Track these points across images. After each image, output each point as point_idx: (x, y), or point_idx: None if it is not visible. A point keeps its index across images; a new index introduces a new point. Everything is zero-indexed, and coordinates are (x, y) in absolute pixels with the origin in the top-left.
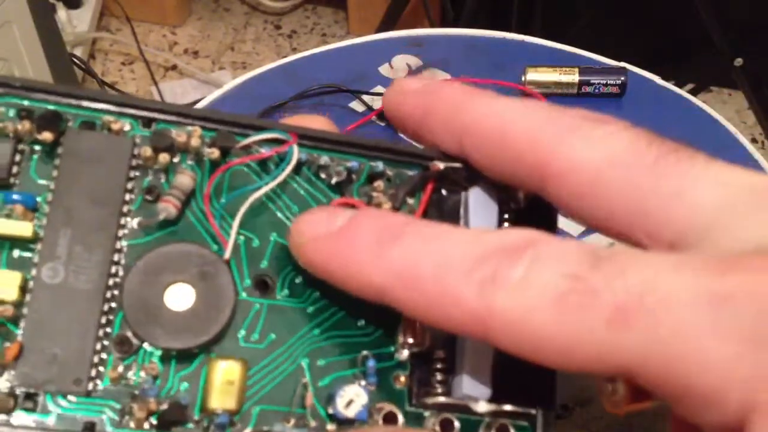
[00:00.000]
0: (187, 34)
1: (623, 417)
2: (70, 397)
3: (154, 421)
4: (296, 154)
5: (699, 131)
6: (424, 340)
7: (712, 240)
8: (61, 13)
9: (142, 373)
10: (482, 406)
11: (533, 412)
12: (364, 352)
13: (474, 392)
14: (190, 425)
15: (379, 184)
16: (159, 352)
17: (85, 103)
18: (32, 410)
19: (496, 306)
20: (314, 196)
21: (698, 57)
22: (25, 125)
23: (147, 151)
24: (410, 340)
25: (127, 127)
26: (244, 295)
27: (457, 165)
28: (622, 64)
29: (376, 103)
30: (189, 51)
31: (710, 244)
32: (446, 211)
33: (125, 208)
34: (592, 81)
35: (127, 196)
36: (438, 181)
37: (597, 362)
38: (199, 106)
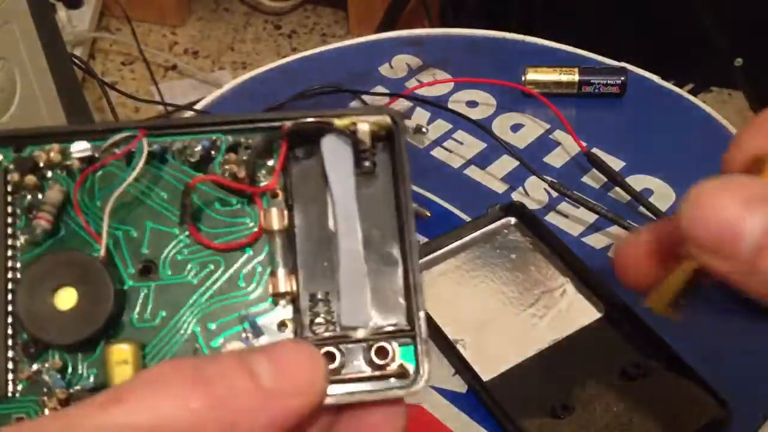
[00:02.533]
0: (187, 34)
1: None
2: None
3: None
4: (146, 147)
5: (699, 131)
6: (292, 289)
7: None
8: (61, 13)
9: (53, 370)
10: (361, 333)
11: (406, 326)
12: (247, 310)
13: (353, 322)
14: None
15: (231, 156)
16: (61, 349)
17: None
18: None
19: None
20: (179, 179)
21: (698, 57)
22: None
23: (15, 176)
24: (280, 289)
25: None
26: (130, 282)
27: (303, 120)
28: (622, 64)
29: (376, 102)
30: (189, 51)
31: None
32: (311, 165)
33: (11, 230)
34: (592, 81)
35: (11, 219)
36: (289, 138)
37: None
38: (199, 106)
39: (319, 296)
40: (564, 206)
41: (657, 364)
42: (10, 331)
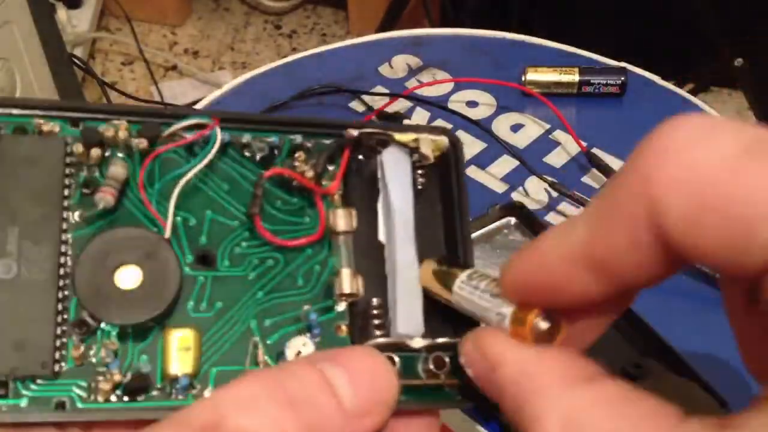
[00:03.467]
0: (187, 34)
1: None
2: (39, 381)
3: (119, 392)
4: (219, 135)
5: None
6: (358, 291)
7: None
8: (61, 13)
9: (103, 351)
10: (417, 342)
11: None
12: (306, 308)
13: (408, 331)
14: (154, 392)
15: (300, 155)
16: (116, 330)
17: (15, 111)
18: (4, 396)
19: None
20: (241, 173)
21: (698, 57)
22: None
23: (79, 147)
24: (345, 290)
25: (57, 129)
26: (187, 270)
27: (371, 130)
28: (622, 64)
29: (376, 103)
30: (189, 51)
31: None
32: (366, 174)
33: (66, 203)
34: (592, 81)
35: (67, 192)
36: (353, 146)
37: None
38: (199, 106)
39: (374, 302)
40: (564, 206)
41: (657, 364)
42: (60, 307)
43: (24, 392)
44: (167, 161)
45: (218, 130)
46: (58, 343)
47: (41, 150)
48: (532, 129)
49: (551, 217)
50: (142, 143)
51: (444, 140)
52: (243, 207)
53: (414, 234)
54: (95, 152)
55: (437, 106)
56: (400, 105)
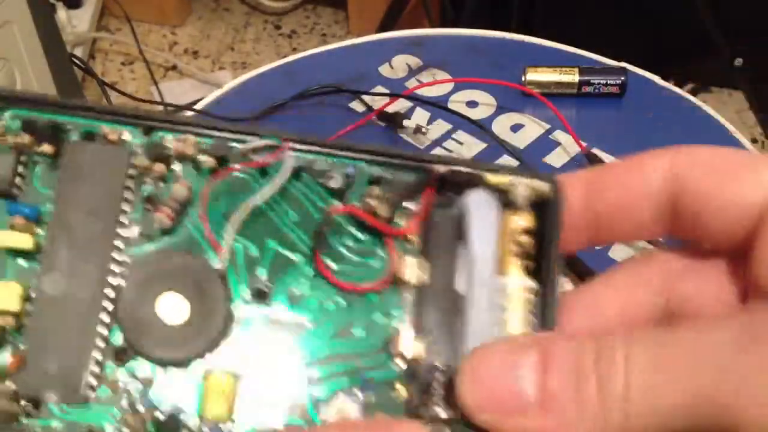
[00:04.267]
0: (187, 34)
1: None
2: (71, 405)
3: (150, 427)
4: (291, 160)
5: (699, 131)
6: (419, 357)
7: None
8: (61, 13)
9: (140, 383)
10: (486, 416)
11: None
12: (361, 364)
13: None
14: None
15: (377, 189)
16: (153, 362)
17: (84, 113)
18: (36, 417)
19: None
20: (312, 201)
21: (698, 57)
22: (25, 138)
23: (144, 161)
24: (405, 353)
25: (126, 136)
26: (240, 303)
27: (457, 168)
28: (622, 64)
29: (376, 103)
30: (189, 51)
31: None
32: (449, 216)
33: (124, 218)
34: (592, 81)
35: (126, 207)
36: (437, 185)
37: None
38: (199, 106)
39: (440, 366)
40: None
41: None
42: (101, 331)
43: (55, 414)
44: (235, 183)
45: (290, 154)
46: (95, 368)
47: (105, 159)
48: (532, 129)
49: None
50: (210, 162)
51: (544, 186)
52: (310, 239)
53: (494, 293)
54: (159, 167)
55: (437, 106)
56: (400, 105)
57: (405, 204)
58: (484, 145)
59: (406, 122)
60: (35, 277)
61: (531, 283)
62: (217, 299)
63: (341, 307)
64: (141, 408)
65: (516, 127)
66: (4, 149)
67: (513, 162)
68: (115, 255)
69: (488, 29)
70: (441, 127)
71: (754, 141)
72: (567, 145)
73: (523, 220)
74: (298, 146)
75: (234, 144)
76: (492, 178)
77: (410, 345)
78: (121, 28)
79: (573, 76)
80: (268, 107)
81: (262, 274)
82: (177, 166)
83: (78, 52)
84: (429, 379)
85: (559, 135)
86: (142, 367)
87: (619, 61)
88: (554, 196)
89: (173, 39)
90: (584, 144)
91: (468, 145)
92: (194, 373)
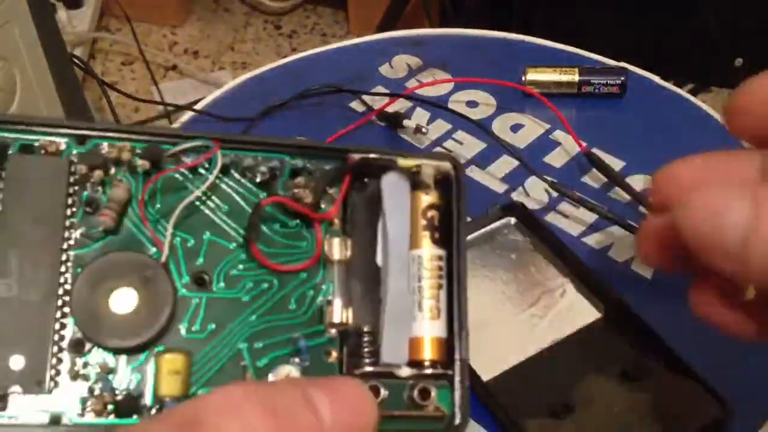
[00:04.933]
0: (187, 34)
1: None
2: (36, 396)
3: (111, 409)
4: (220, 160)
5: (699, 131)
6: (347, 321)
7: None
8: (61, 13)
9: (98, 370)
10: (405, 371)
11: (450, 372)
12: (296, 333)
13: (394, 359)
14: (144, 412)
15: (300, 179)
16: (109, 351)
17: (21, 127)
18: (2, 410)
19: None
20: (242, 195)
21: (698, 57)
22: None
23: (83, 169)
24: (335, 320)
25: (62, 147)
26: (183, 291)
27: (372, 155)
28: (622, 64)
29: (376, 103)
30: (189, 51)
31: None
32: (368, 197)
33: (68, 222)
34: (592, 81)
35: (69, 211)
36: (355, 171)
37: None
38: (199, 106)
39: (365, 329)
40: (564, 206)
41: (657, 364)
42: (57, 326)
43: (20, 406)
44: (169, 182)
45: (219, 155)
46: (54, 360)
47: (46, 170)
48: (532, 129)
49: (551, 217)
50: (145, 165)
51: (446, 165)
52: (242, 229)
53: (408, 262)
54: (98, 173)
55: (437, 106)
56: (400, 105)
57: (328, 191)
58: (484, 145)
59: (406, 122)
60: None
61: (440, 251)
62: (162, 289)
63: (275, 285)
64: (101, 392)
65: (516, 127)
66: None
67: (513, 162)
68: (63, 257)
69: (488, 29)
70: (441, 127)
71: None
72: (567, 145)
73: (430, 197)
74: (226, 145)
75: (166, 147)
76: (402, 162)
77: (339, 313)
78: (121, 28)
79: (573, 76)
80: (268, 107)
81: (200, 262)
82: (113, 170)
83: (78, 52)
84: (358, 341)
85: (559, 135)
86: (99, 356)
87: (619, 61)
88: (455, 173)
89: (173, 39)
90: (584, 144)
91: (468, 145)
92: (149, 355)
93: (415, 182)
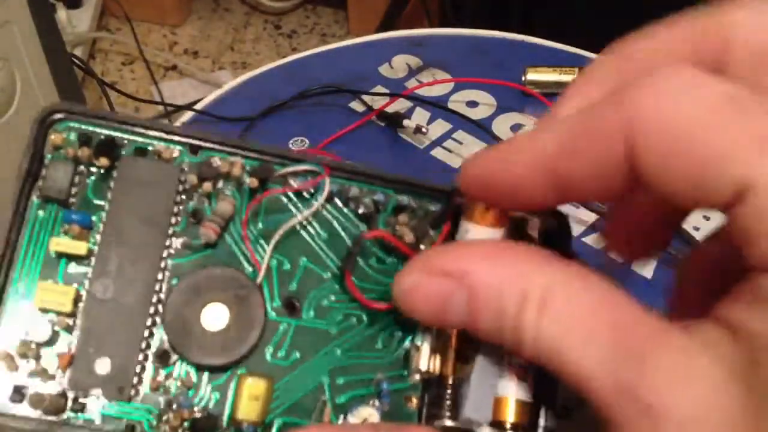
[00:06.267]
0: (187, 34)
1: None
2: (114, 402)
3: (187, 426)
4: (328, 186)
5: None
6: (434, 370)
7: None
8: (61, 13)
9: (179, 384)
10: (485, 430)
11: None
12: (380, 375)
13: (477, 417)
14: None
15: (403, 217)
16: (193, 366)
17: (139, 130)
18: (81, 411)
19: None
20: (343, 225)
21: None
22: (84, 151)
23: (193, 179)
24: (422, 367)
25: (176, 154)
26: (273, 315)
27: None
28: None
29: (376, 103)
30: (189, 51)
31: None
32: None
33: (171, 230)
34: None
35: (173, 219)
36: (456, 215)
37: (606, 129)
38: (199, 106)
39: (450, 381)
40: (564, 206)
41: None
42: (146, 333)
43: (98, 410)
44: (273, 203)
45: (328, 181)
46: (138, 368)
47: (157, 174)
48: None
49: None
50: (254, 183)
51: (552, 223)
52: (338, 259)
53: None
54: (207, 185)
55: (437, 106)
56: (400, 105)
57: (430, 233)
58: (484, 145)
59: (406, 122)
60: (86, 280)
61: None
62: (255, 310)
63: (364, 321)
64: (179, 407)
65: (516, 127)
66: (62, 159)
67: None
68: (163, 263)
69: (488, 29)
70: (441, 126)
71: None
72: None
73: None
74: (335, 173)
75: (276, 167)
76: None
77: (427, 360)
78: (121, 28)
79: (573, 76)
80: (268, 107)
81: (293, 287)
82: (221, 184)
83: (78, 52)
84: (440, 391)
85: None
86: (182, 369)
87: None
88: (560, 228)
89: (173, 39)
90: None
91: (468, 145)
92: (231, 375)
93: (520, 233)
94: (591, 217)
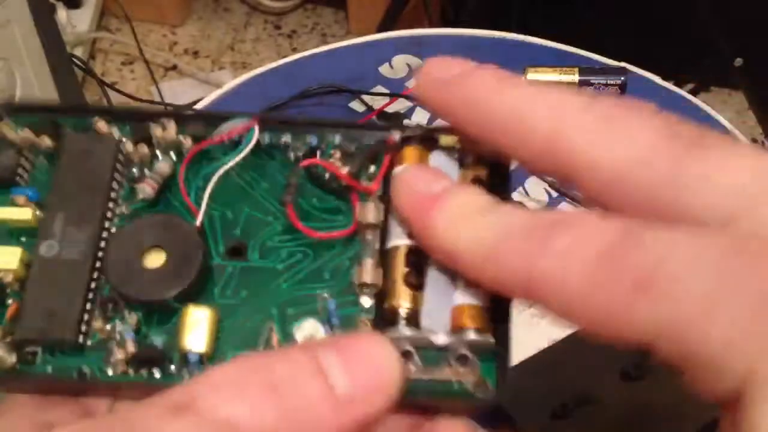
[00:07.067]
0: (187, 34)
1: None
2: (65, 351)
3: (135, 363)
4: (256, 134)
5: None
6: (378, 282)
7: (734, 224)
8: (61, 13)
9: (126, 326)
10: (441, 338)
11: (491, 340)
12: (324, 295)
13: (432, 326)
14: (168, 367)
15: (337, 152)
16: (141, 311)
17: (76, 114)
18: (32, 363)
19: (538, 269)
20: (282, 173)
21: (698, 57)
22: (26, 132)
23: (128, 145)
24: (366, 280)
25: (115, 130)
26: (218, 260)
27: (414, 134)
28: (622, 64)
29: (376, 103)
30: (189, 51)
31: (733, 227)
32: None
33: (114, 194)
34: (592, 81)
35: (115, 185)
36: (395, 149)
37: (623, 328)
38: (199, 106)
39: (404, 303)
40: (564, 206)
41: (657, 364)
42: (92, 285)
43: (48, 360)
44: (211, 160)
45: (256, 129)
46: (86, 317)
47: (97, 146)
48: None
49: None
50: (188, 141)
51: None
52: (280, 204)
53: None
54: (143, 149)
55: None
56: (400, 105)
57: (369, 167)
58: None
59: (406, 122)
60: (34, 248)
61: None
62: (194, 246)
63: (309, 255)
64: (124, 345)
65: None
66: (5, 143)
67: (513, 162)
68: (107, 225)
69: (488, 29)
70: None
71: (754, 141)
72: None
73: (476, 172)
74: (265, 125)
75: (210, 128)
76: (444, 139)
77: (370, 273)
78: (121, 28)
79: (573, 76)
80: (268, 107)
81: (236, 234)
82: (159, 151)
83: (78, 52)
84: (395, 314)
85: None
86: (130, 314)
87: (619, 61)
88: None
89: (173, 39)
90: None
91: None
92: (175, 318)
93: (461, 159)
94: None
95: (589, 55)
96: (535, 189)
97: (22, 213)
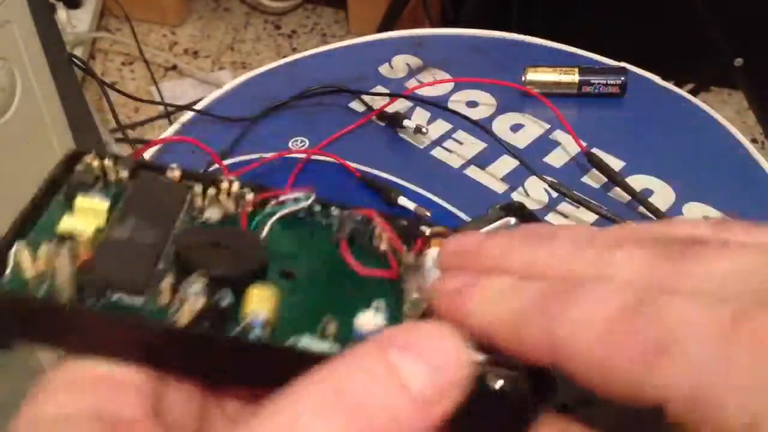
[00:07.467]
0: (187, 34)
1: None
2: (135, 298)
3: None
4: (312, 199)
5: (699, 131)
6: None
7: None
8: (61, 13)
9: (197, 286)
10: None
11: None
12: (378, 301)
13: None
14: (232, 326)
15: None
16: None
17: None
18: (99, 299)
19: (557, 337)
20: (328, 230)
21: (698, 57)
22: (107, 163)
23: (198, 189)
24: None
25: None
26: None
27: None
28: (622, 64)
29: (376, 103)
30: (189, 51)
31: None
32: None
33: (178, 222)
34: (592, 81)
35: (182, 215)
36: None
37: (635, 392)
38: (199, 106)
39: None
40: (564, 206)
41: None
42: (163, 255)
43: (115, 299)
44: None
45: (313, 197)
46: (156, 276)
47: (169, 189)
48: (532, 129)
49: (551, 217)
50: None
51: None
52: (332, 243)
53: None
54: (211, 190)
55: (437, 106)
56: (400, 105)
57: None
58: (484, 145)
59: (406, 122)
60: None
61: None
62: (255, 243)
63: (356, 284)
64: (194, 302)
65: (516, 127)
66: (88, 169)
67: (513, 162)
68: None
69: (488, 29)
70: (441, 127)
71: (753, 141)
72: (567, 145)
73: None
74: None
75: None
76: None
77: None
78: (121, 28)
79: (573, 76)
80: (268, 107)
81: (288, 264)
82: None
83: (78, 52)
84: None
85: (559, 135)
86: (198, 283)
87: (619, 61)
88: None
89: (173, 39)
90: (584, 144)
91: (468, 145)
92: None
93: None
94: (591, 217)
95: (589, 55)
96: (535, 189)
97: (97, 204)
